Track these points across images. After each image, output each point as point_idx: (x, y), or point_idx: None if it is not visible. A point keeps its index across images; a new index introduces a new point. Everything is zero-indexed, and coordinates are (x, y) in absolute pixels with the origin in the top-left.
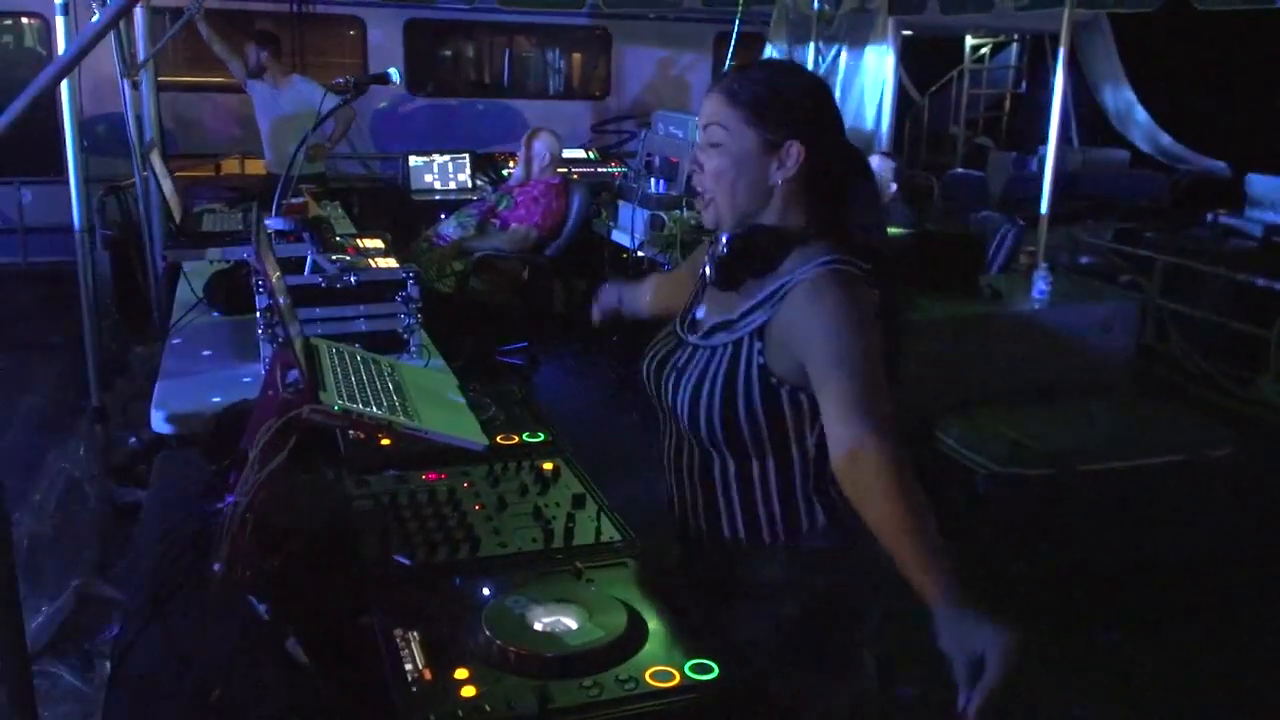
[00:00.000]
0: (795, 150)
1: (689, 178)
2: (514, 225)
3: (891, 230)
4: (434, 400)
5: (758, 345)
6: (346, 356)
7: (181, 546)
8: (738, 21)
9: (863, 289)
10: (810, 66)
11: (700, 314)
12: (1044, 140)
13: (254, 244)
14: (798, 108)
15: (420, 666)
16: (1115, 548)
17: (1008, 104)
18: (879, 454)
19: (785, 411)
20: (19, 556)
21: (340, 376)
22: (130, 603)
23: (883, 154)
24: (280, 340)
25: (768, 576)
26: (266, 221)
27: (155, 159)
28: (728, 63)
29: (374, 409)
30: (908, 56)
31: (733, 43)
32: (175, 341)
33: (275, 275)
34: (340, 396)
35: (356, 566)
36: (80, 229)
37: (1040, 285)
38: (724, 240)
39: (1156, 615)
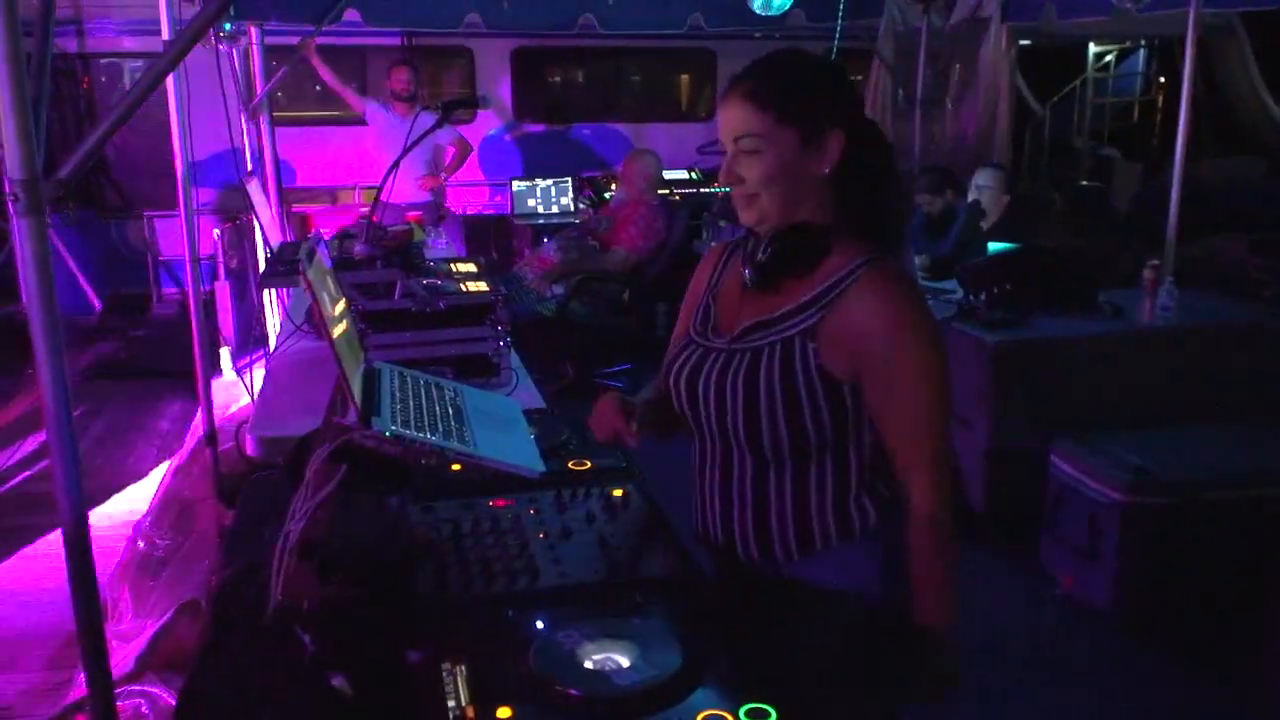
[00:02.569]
0: (836, 140)
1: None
2: (614, 247)
3: (1002, 245)
4: (494, 425)
5: (811, 345)
6: (409, 381)
7: (246, 576)
8: (837, 37)
9: (918, 289)
10: (920, 79)
11: (723, 318)
12: (1173, 150)
13: (302, 274)
14: (827, 94)
15: (463, 704)
16: (1241, 582)
17: (1136, 113)
18: (923, 494)
19: (847, 407)
20: (130, 575)
21: (397, 401)
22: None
23: (993, 165)
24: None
25: (824, 617)
26: (357, 248)
27: (253, 188)
28: None
29: (427, 434)
30: (1026, 66)
31: (832, 58)
32: (272, 368)
33: (326, 304)
34: (394, 422)
35: (410, 598)
36: (189, 259)
37: (1165, 301)
38: (764, 242)
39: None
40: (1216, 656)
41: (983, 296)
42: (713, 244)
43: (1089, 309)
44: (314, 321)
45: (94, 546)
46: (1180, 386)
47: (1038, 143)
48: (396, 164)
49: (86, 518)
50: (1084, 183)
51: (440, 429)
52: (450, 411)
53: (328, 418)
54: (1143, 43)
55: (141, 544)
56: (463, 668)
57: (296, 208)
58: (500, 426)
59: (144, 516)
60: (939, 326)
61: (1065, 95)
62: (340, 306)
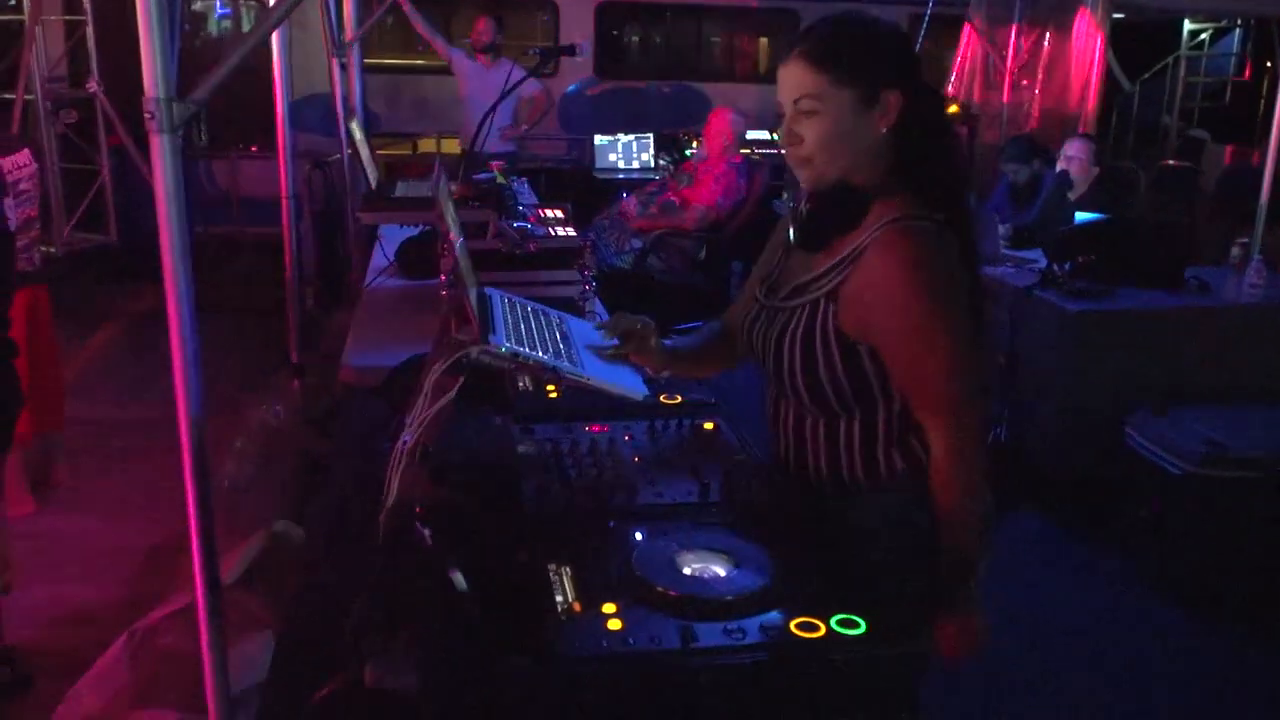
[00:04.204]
0: (895, 99)
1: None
2: (694, 204)
3: (1089, 215)
4: (598, 353)
5: (831, 308)
6: (518, 306)
7: (363, 479)
8: (931, 2)
9: (937, 242)
10: (1012, 48)
11: (781, 277)
12: (1267, 133)
13: (434, 196)
14: (885, 55)
15: (570, 599)
16: None
17: (1228, 94)
18: (945, 450)
19: (868, 370)
20: (219, 498)
21: (510, 324)
22: (315, 534)
23: (1082, 136)
24: (455, 288)
25: (868, 519)
26: (453, 187)
27: (355, 128)
28: (917, 44)
29: (539, 354)
30: (1118, 41)
31: (924, 24)
32: (367, 302)
33: (454, 230)
34: (509, 340)
35: (517, 505)
36: (289, 196)
37: (1253, 279)
38: (804, 201)
39: None
40: None
41: (1067, 266)
42: (791, 205)
43: (1175, 283)
44: (408, 262)
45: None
46: (1262, 364)
47: (1125, 120)
48: (490, 112)
49: (205, 421)
50: (1170, 162)
51: (550, 350)
52: (558, 335)
53: (439, 338)
54: (1239, 22)
55: (230, 466)
56: (568, 569)
57: (379, 153)
58: (604, 355)
59: (234, 441)
60: (955, 285)
61: (1156, 73)
62: (456, 231)
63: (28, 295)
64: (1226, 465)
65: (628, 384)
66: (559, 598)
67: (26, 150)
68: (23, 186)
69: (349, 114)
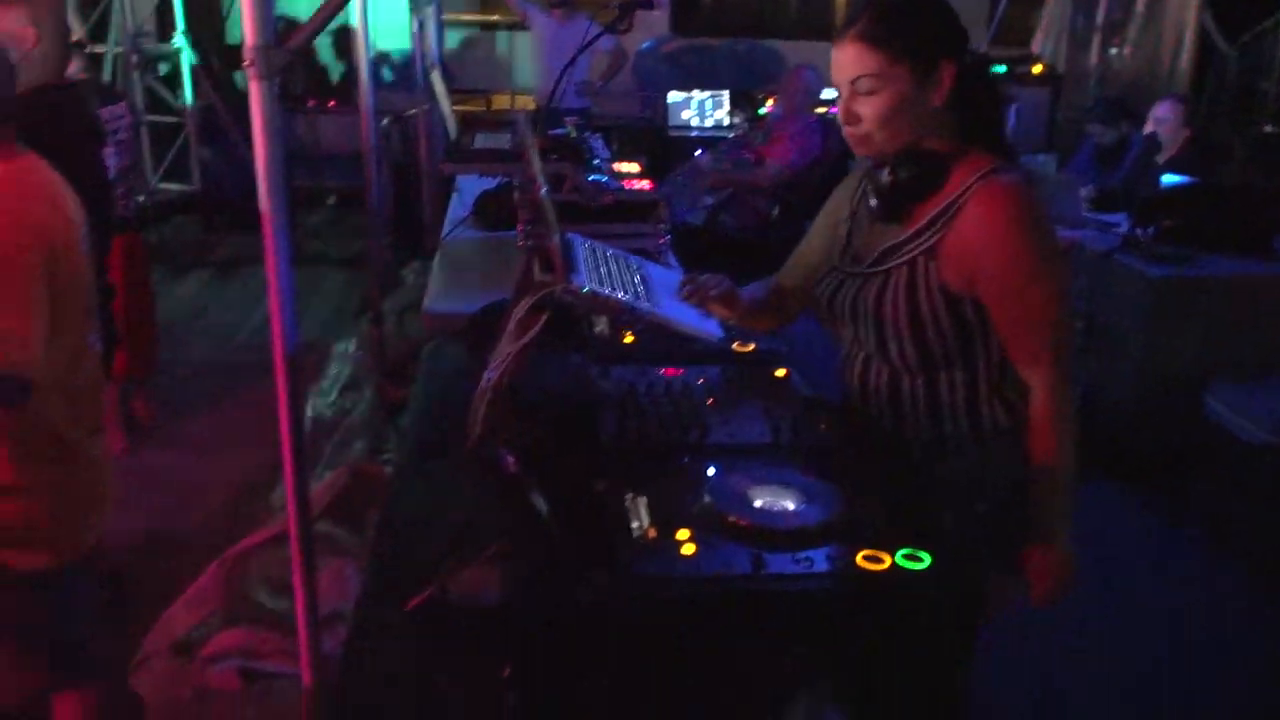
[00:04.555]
0: (948, 69)
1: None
2: (769, 161)
3: (1176, 178)
4: (674, 296)
5: (933, 265)
6: (597, 251)
7: (445, 416)
8: None
9: (1030, 194)
10: (1102, 6)
11: (865, 244)
12: None
13: (520, 147)
14: (937, 27)
15: (645, 526)
16: None
17: None
18: (1046, 397)
19: (971, 321)
20: (310, 434)
21: (590, 266)
22: (400, 466)
23: (1173, 97)
24: (538, 234)
25: (970, 470)
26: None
27: (436, 79)
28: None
29: (619, 294)
30: (1215, 1)
31: None
32: (446, 252)
33: (540, 179)
34: (591, 281)
35: (595, 439)
36: (375, 146)
37: None
38: (885, 172)
39: None
40: None
41: (1151, 230)
42: (854, 168)
43: (1263, 252)
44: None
45: None
46: None
47: (1221, 83)
48: (569, 66)
49: (299, 358)
50: (1268, 129)
51: (629, 292)
52: (636, 279)
53: (521, 280)
54: None
55: (311, 410)
56: (644, 498)
57: (457, 108)
58: (681, 300)
59: (314, 384)
60: (1054, 234)
61: (1256, 35)
62: (540, 178)
63: (124, 241)
64: None
65: (704, 326)
66: (635, 524)
67: (123, 103)
68: (120, 136)
69: (431, 65)
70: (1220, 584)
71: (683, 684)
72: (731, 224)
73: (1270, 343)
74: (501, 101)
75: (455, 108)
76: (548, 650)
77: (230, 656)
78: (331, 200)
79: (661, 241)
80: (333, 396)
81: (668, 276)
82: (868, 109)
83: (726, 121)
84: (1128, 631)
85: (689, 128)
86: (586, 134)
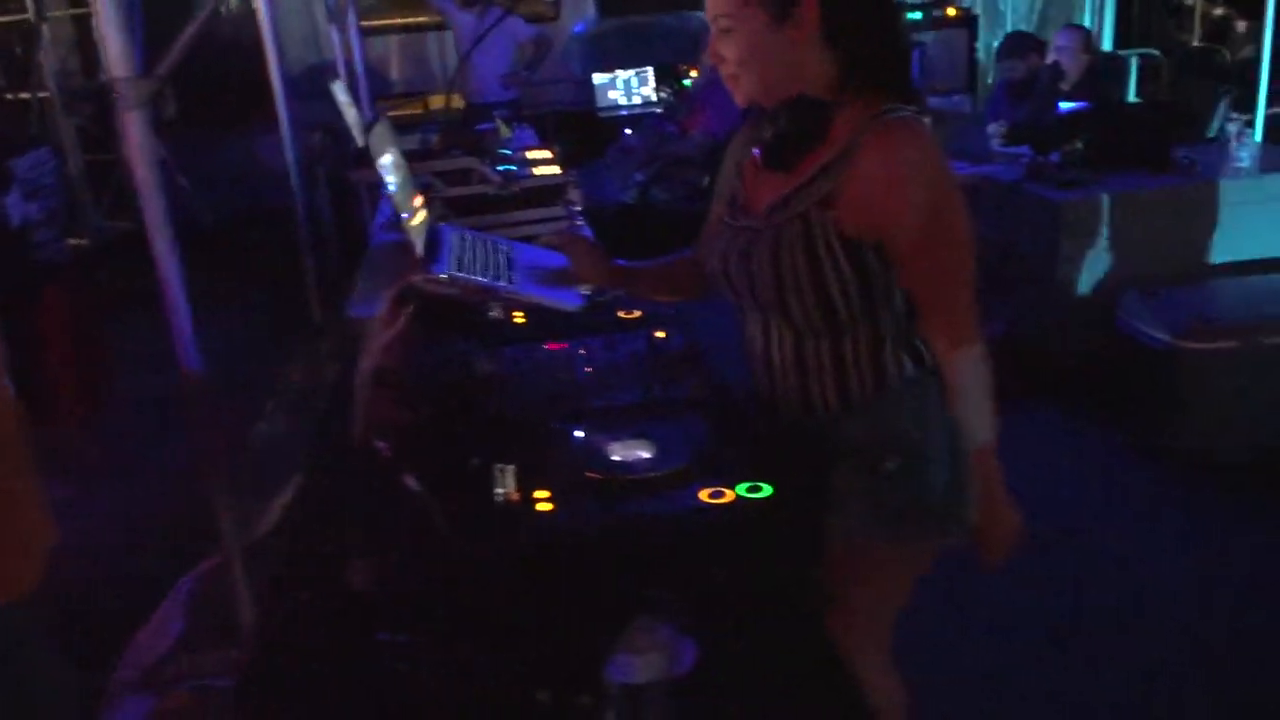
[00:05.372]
0: (810, 10)
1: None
2: (693, 132)
3: (1073, 105)
4: (541, 273)
5: (830, 214)
6: (468, 239)
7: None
8: None
9: (924, 134)
10: None
11: (752, 197)
12: None
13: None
14: None
15: (509, 491)
16: None
17: None
18: (948, 337)
19: (874, 269)
20: (257, 457)
21: (456, 253)
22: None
23: (1071, 26)
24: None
25: (878, 425)
26: (434, 138)
27: (336, 89)
28: None
29: (478, 277)
30: None
31: None
32: (370, 256)
33: (388, 176)
34: (451, 268)
35: (475, 419)
36: (295, 160)
37: (1238, 153)
38: (768, 122)
39: None
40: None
41: (1054, 157)
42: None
43: (1162, 165)
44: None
45: None
46: (1254, 238)
47: (1149, 3)
48: (464, 58)
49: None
50: (1195, 44)
51: (491, 274)
52: (502, 260)
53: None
54: None
55: (263, 427)
56: (512, 467)
57: (392, 114)
58: (547, 274)
59: (266, 404)
60: (951, 172)
61: None
62: (403, 172)
63: (54, 289)
64: (1213, 336)
65: (561, 298)
66: (499, 489)
67: (46, 148)
68: (44, 182)
69: (331, 75)
70: (1137, 480)
71: (554, 630)
72: (662, 198)
73: (1173, 252)
74: (438, 102)
75: (393, 113)
76: (429, 616)
77: (187, 679)
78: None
79: (576, 224)
80: (280, 414)
81: (537, 256)
82: (729, 49)
83: (654, 98)
84: (1065, 542)
85: (618, 107)
86: (515, 125)
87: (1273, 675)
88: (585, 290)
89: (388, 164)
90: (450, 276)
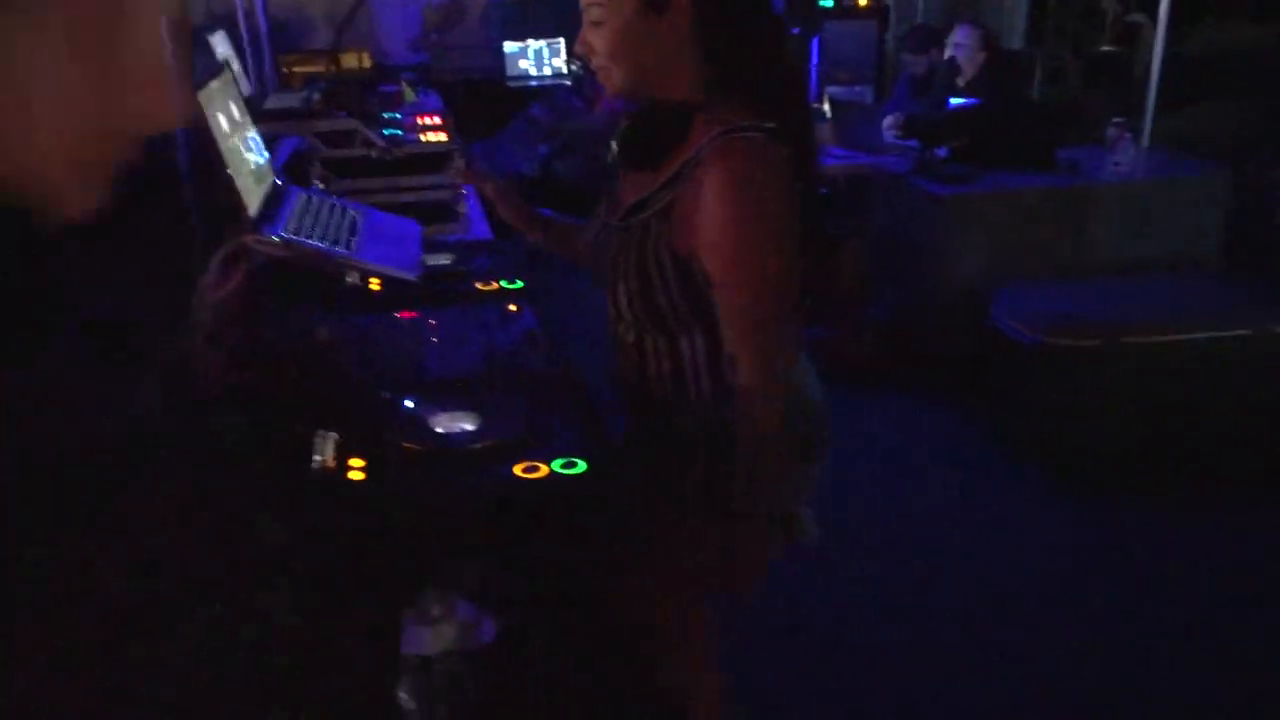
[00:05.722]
0: (683, 3)
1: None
2: (600, 108)
3: (963, 101)
4: (386, 240)
5: (664, 226)
6: (314, 201)
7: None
8: None
9: (762, 155)
10: None
11: (619, 197)
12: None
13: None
14: None
15: (326, 459)
16: (1160, 422)
17: None
18: (744, 377)
19: (702, 285)
20: None
21: (295, 217)
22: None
23: (969, 23)
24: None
25: (712, 427)
26: (314, 96)
27: (217, 39)
28: None
29: (315, 241)
30: None
31: None
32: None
33: (222, 123)
34: (286, 231)
35: (311, 387)
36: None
37: (1119, 157)
38: (624, 118)
39: (1194, 491)
40: (1135, 496)
41: (942, 152)
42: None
43: (1045, 165)
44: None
45: None
46: (1129, 240)
47: (1063, 3)
48: (352, 14)
49: None
50: (1106, 48)
51: (330, 239)
52: (345, 225)
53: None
54: None
55: None
56: (334, 435)
57: (298, 69)
58: (392, 242)
59: None
60: (780, 204)
61: None
62: (243, 131)
63: None
64: (1074, 334)
65: (399, 265)
66: (317, 457)
67: None
68: None
69: (211, 27)
70: (993, 474)
71: (366, 600)
72: (564, 172)
73: (1049, 250)
74: (350, 60)
75: (297, 69)
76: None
77: None
78: None
79: (461, 192)
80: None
81: (388, 222)
82: (599, 40)
83: (565, 69)
84: (914, 535)
85: (528, 77)
86: (420, 90)
87: (1126, 673)
88: (429, 261)
89: (221, 122)
90: (283, 239)
